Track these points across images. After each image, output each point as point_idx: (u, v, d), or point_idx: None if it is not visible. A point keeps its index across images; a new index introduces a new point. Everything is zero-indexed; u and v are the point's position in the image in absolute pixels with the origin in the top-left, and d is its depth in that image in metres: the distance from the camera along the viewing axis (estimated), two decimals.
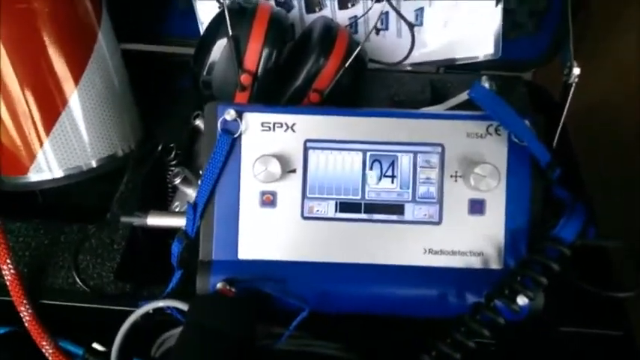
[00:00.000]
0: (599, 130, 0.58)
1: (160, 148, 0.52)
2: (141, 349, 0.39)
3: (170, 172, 0.50)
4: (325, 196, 0.39)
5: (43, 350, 0.38)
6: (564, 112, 0.48)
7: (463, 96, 0.49)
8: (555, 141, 0.47)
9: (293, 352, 0.38)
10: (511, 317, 0.35)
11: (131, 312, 0.38)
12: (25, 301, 0.40)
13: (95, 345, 0.40)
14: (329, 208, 0.39)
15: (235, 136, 0.38)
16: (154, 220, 0.40)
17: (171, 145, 0.51)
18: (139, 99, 0.55)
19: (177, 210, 0.49)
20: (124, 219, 0.41)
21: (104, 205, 0.49)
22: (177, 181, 0.48)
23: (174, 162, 0.51)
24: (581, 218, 0.37)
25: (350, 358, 0.38)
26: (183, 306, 0.37)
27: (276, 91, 0.48)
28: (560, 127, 0.48)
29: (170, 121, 0.56)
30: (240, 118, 0.38)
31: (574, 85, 0.46)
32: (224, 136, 0.38)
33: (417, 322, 0.38)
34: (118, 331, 0.38)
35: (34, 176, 0.48)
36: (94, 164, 0.49)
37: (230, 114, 0.38)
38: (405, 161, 0.39)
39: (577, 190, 0.40)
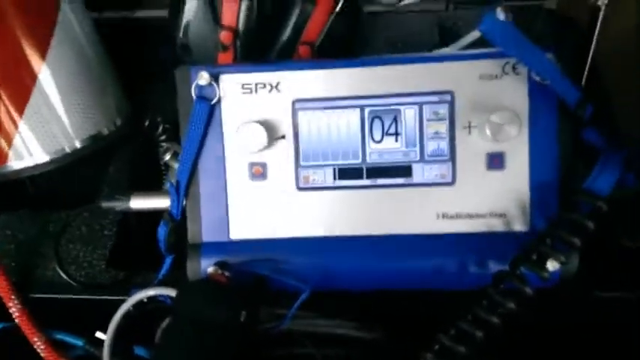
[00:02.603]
0: (633, 60, 0.51)
1: (147, 122, 0.48)
2: (143, 338, 0.37)
3: (160, 148, 0.46)
4: (321, 162, 0.34)
5: (35, 346, 0.36)
6: (593, 42, 0.41)
7: (475, 34, 0.43)
8: (585, 76, 0.41)
9: (298, 333, 0.35)
10: (540, 285, 0.31)
11: (125, 301, 0.36)
12: (12, 296, 0.37)
13: (99, 334, 0.37)
14: (326, 176, 0.34)
15: (213, 102, 0.34)
16: (138, 203, 0.37)
17: (159, 119, 0.47)
18: (120, 71, 0.50)
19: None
20: (105, 204, 0.37)
21: (97, 189, 0.46)
22: (168, 157, 0.45)
23: (163, 137, 0.48)
24: (618, 165, 0.32)
25: (359, 336, 0.34)
26: (175, 293, 0.34)
27: (263, 48, 0.43)
28: (589, 59, 0.41)
29: (158, 93, 0.52)
30: (217, 82, 0.34)
31: (603, 8, 0.39)
32: (200, 103, 0.33)
33: (434, 296, 0.34)
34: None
35: (15, 163, 0.45)
36: (77, 145, 0.46)
37: (204, 78, 0.33)
38: (409, 115, 0.34)
39: (611, 132, 0.34)
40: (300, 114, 0.34)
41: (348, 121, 0.34)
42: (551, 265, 0.31)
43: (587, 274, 0.33)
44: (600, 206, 0.31)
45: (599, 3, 0.39)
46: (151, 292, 0.35)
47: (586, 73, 0.42)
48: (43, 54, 0.42)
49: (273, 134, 0.34)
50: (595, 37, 0.41)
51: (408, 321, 0.34)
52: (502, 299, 0.30)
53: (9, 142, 0.44)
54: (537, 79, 0.32)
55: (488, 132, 0.32)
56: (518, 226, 0.34)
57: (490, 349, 0.30)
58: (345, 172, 0.34)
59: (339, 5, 0.41)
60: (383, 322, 0.35)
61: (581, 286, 0.33)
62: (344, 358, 0.35)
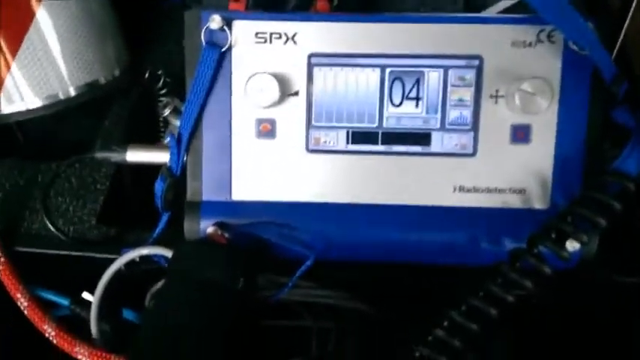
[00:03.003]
0: None
1: (147, 75, 0.45)
2: (132, 299, 0.35)
3: (159, 103, 0.44)
4: (334, 124, 0.32)
5: (18, 303, 0.34)
6: (626, 24, 0.39)
7: (504, 3, 0.40)
8: (615, 52, 0.39)
9: (298, 303, 0.33)
10: (559, 265, 0.29)
11: (115, 259, 0.34)
12: None
13: (85, 295, 0.36)
14: (339, 139, 0.32)
15: (224, 49, 0.31)
16: (135, 156, 0.35)
17: (160, 72, 0.44)
18: (121, 19, 0.47)
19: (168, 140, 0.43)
20: (99, 154, 0.35)
21: (91, 141, 0.44)
22: (167, 112, 0.42)
23: (163, 91, 0.45)
24: None
25: (361, 309, 0.33)
26: (170, 253, 0.32)
27: (277, 2, 0.40)
28: (622, 35, 0.39)
29: (161, 46, 0.49)
30: (230, 28, 0.31)
31: None
32: (209, 49, 0.31)
33: (445, 270, 0.33)
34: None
35: (5, 107, 0.42)
36: (72, 92, 0.43)
37: (216, 21, 0.30)
38: (433, 79, 0.32)
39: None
40: (316, 70, 0.32)
41: (367, 80, 0.32)
42: (571, 245, 0.29)
43: (607, 257, 0.31)
44: (629, 187, 0.29)
45: None
46: (145, 251, 0.33)
47: (615, 54, 0.40)
48: None
49: (285, 89, 0.32)
50: (628, 20, 0.39)
51: (417, 295, 0.32)
52: (519, 278, 0.28)
53: (0, 84, 0.41)
54: (575, 48, 0.30)
55: (517, 101, 0.30)
56: (538, 204, 0.32)
57: (501, 329, 0.29)
58: (359, 136, 0.32)
59: None
60: (387, 296, 0.33)
61: (601, 270, 0.32)
62: (341, 331, 0.33)
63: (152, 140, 0.44)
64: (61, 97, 0.42)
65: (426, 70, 0.31)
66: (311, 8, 0.39)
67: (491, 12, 0.41)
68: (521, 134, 0.32)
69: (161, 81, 0.45)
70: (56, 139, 0.48)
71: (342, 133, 0.32)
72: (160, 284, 0.34)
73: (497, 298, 0.28)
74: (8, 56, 0.40)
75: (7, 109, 0.42)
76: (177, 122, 0.42)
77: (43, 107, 0.42)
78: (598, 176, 0.30)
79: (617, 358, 0.32)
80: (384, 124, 0.32)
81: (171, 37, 0.49)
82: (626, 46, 0.42)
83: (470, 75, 0.31)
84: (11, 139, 0.47)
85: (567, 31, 0.30)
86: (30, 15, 0.40)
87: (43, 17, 0.40)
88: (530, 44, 0.31)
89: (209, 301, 0.28)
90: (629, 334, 0.32)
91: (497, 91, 0.31)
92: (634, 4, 0.38)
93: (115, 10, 0.47)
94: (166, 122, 0.44)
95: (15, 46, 0.40)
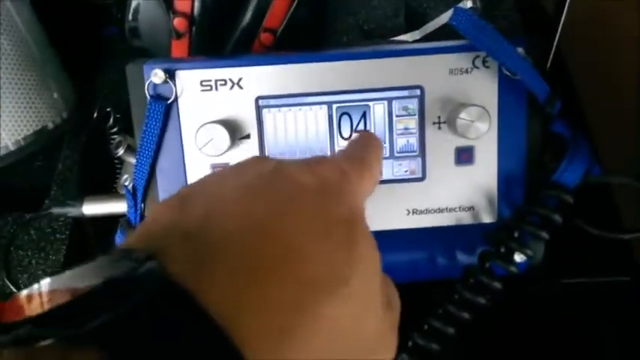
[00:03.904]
0: (597, 45, 0.52)
1: (95, 114, 0.44)
2: None
3: (112, 142, 0.43)
4: None
5: None
6: (559, 29, 0.41)
7: (443, 18, 0.42)
8: (549, 64, 0.41)
9: None
10: (508, 274, 0.31)
11: None
12: None
13: None
14: None
15: (170, 101, 0.31)
16: (92, 208, 0.35)
17: (108, 109, 0.44)
18: (65, 57, 0.46)
19: (127, 184, 0.43)
20: (55, 210, 0.35)
21: (46, 187, 0.43)
22: (121, 151, 0.42)
23: (114, 129, 0.44)
24: (585, 158, 0.32)
25: None
26: None
27: (221, 36, 0.40)
28: (554, 46, 0.41)
29: (106, 79, 0.48)
30: (173, 78, 0.31)
31: None
32: (155, 102, 0.31)
33: (407, 288, 0.34)
34: None
35: None
36: (21, 142, 0.42)
37: (158, 75, 0.30)
38: (378, 111, 0.33)
39: (577, 123, 0.34)
40: (265, 112, 0.32)
41: (316, 117, 0.33)
42: (519, 258, 0.32)
43: (554, 262, 0.34)
44: (567, 199, 0.31)
45: None
46: None
47: (550, 59, 0.42)
48: None
49: (236, 134, 0.32)
50: (561, 24, 0.40)
51: None
52: (471, 295, 0.30)
53: None
54: (507, 73, 0.32)
55: (458, 129, 0.32)
56: (487, 218, 0.34)
57: (461, 340, 0.31)
58: None
59: None
60: None
61: (548, 274, 0.34)
62: None
63: (109, 179, 0.44)
64: (11, 148, 0.41)
65: (371, 103, 0.33)
66: (255, 41, 0.39)
67: (429, 28, 0.42)
68: (465, 156, 0.33)
69: (111, 119, 0.44)
70: (11, 189, 0.47)
71: None
72: None
73: (454, 316, 0.30)
74: None
75: None
76: (132, 160, 0.41)
77: None
78: (538, 190, 0.32)
79: (571, 357, 0.35)
80: None
81: (114, 68, 0.48)
82: (560, 50, 0.44)
83: (413, 104, 0.33)
84: None
85: (498, 58, 0.31)
86: None
87: None
88: (466, 71, 0.32)
89: None
90: (579, 332, 0.35)
91: (439, 117, 0.33)
92: (565, 11, 0.40)
93: (55, 47, 0.45)
94: (121, 160, 0.44)
95: None
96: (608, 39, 0.49)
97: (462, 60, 0.32)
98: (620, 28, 0.48)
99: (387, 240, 0.34)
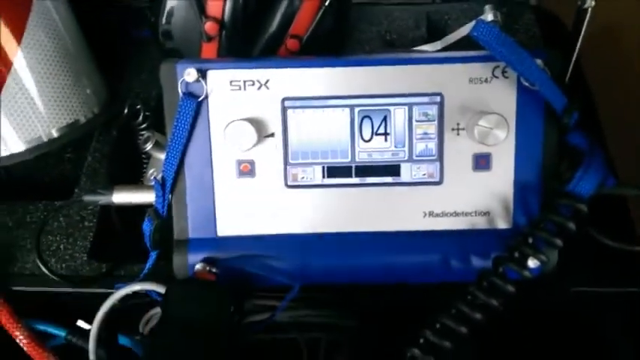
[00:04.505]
0: (617, 60, 0.52)
1: (126, 110, 0.46)
2: (126, 327, 0.37)
3: (140, 138, 0.45)
4: (310, 160, 0.34)
5: (17, 341, 0.35)
6: (578, 43, 0.42)
7: (464, 30, 0.43)
8: (568, 76, 0.41)
9: (289, 324, 0.35)
10: (522, 280, 0.32)
11: (108, 294, 0.35)
12: None
13: (80, 323, 0.37)
14: (315, 174, 0.34)
15: (200, 99, 0.33)
16: (121, 197, 0.36)
17: (138, 106, 0.46)
18: (98, 56, 0.49)
19: (153, 178, 0.44)
20: (87, 198, 0.36)
21: (74, 178, 0.45)
22: (149, 147, 0.43)
23: (143, 125, 0.46)
24: (601, 169, 0.33)
25: (348, 325, 0.35)
26: (161, 288, 0.34)
27: (249, 40, 0.42)
28: (573, 61, 0.42)
29: (137, 78, 0.51)
30: (204, 78, 0.33)
31: (590, 11, 0.40)
32: (187, 100, 0.32)
33: (421, 288, 0.35)
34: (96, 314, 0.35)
35: None
36: (54, 134, 0.44)
37: (191, 74, 0.32)
38: (399, 115, 0.34)
39: (594, 134, 0.35)
40: (290, 112, 0.34)
41: (338, 120, 0.34)
42: (533, 263, 0.32)
43: (565, 268, 0.34)
44: (581, 209, 0.32)
45: (586, 6, 0.39)
46: (137, 287, 0.35)
47: (570, 72, 0.43)
48: (18, 38, 0.41)
49: (261, 132, 0.34)
50: (580, 39, 0.41)
51: (392, 312, 0.35)
52: (485, 296, 0.31)
53: None
54: (526, 84, 0.33)
55: (476, 135, 0.33)
56: (502, 224, 0.35)
57: (471, 343, 0.31)
58: (334, 171, 0.34)
59: None
60: (368, 313, 0.35)
61: (560, 282, 0.35)
62: (326, 343, 0.35)
63: (136, 173, 0.45)
64: (44, 139, 0.43)
65: (392, 107, 0.34)
66: (281, 47, 0.41)
67: (451, 39, 0.44)
68: (482, 162, 0.34)
69: (140, 115, 0.46)
70: (40, 178, 0.49)
71: (319, 169, 0.34)
72: (152, 311, 0.36)
73: (467, 316, 0.31)
74: None
75: None
76: (159, 155, 0.43)
77: (27, 151, 0.43)
78: (554, 199, 0.33)
79: None
80: (357, 159, 0.34)
81: (144, 68, 0.51)
82: (580, 65, 0.45)
83: (433, 111, 0.34)
84: None
85: (517, 69, 0.32)
86: (7, 61, 0.41)
87: (20, 63, 0.41)
88: (486, 80, 0.33)
89: (203, 339, 0.30)
90: (588, 338, 0.35)
91: (458, 124, 0.34)
92: (584, 28, 0.41)
93: (91, 46, 0.48)
94: (148, 155, 0.45)
95: None
96: (626, 53, 0.50)
97: (481, 69, 0.33)
98: (638, 42, 0.49)
99: (403, 241, 0.35)
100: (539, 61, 0.32)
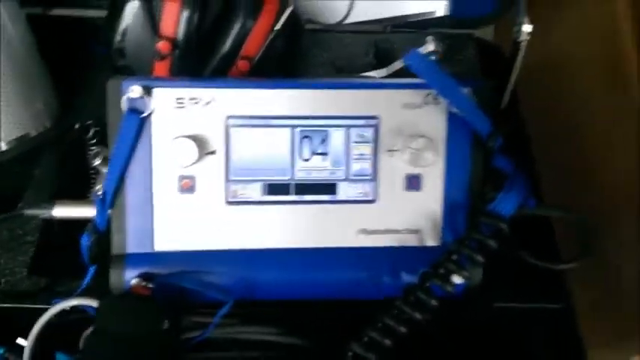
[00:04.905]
0: (552, 90, 0.56)
1: (77, 126, 0.47)
2: (67, 344, 0.36)
3: (90, 153, 0.45)
4: (251, 178, 0.36)
5: None
6: (513, 73, 0.45)
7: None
8: (505, 104, 0.44)
9: (225, 340, 0.36)
10: (447, 295, 0.33)
11: (46, 309, 0.35)
12: None
13: (19, 340, 0.36)
14: (255, 191, 0.36)
15: (144, 115, 0.34)
16: (62, 211, 0.36)
17: (89, 122, 0.46)
18: (52, 70, 0.49)
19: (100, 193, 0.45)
20: (28, 211, 0.36)
21: (22, 191, 0.45)
22: (97, 162, 0.44)
23: (94, 140, 0.47)
24: (522, 191, 0.35)
25: (280, 342, 0.36)
26: (97, 304, 0.34)
27: (202, 60, 0.43)
28: (509, 89, 0.45)
29: (90, 94, 0.51)
30: (150, 95, 0.34)
31: (524, 44, 0.43)
32: (131, 116, 0.33)
33: (353, 304, 0.36)
34: None
35: None
36: (3, 147, 0.44)
37: (135, 91, 0.33)
38: (337, 136, 0.36)
39: (522, 159, 0.38)
40: (233, 130, 0.35)
41: (279, 139, 0.35)
42: (457, 279, 0.34)
43: (490, 285, 0.36)
44: (502, 227, 0.34)
45: (520, 39, 0.42)
46: (74, 302, 0.35)
47: (507, 99, 0.46)
48: None
49: (203, 149, 0.35)
50: (517, 69, 0.44)
51: (325, 328, 0.36)
52: (410, 310, 0.33)
53: None
54: (455, 110, 0.35)
55: (408, 157, 0.35)
56: (431, 242, 0.37)
57: (398, 354, 0.33)
58: (273, 188, 0.36)
59: (280, 22, 0.42)
60: (302, 329, 0.36)
61: (484, 297, 0.37)
62: None
63: (84, 188, 0.46)
64: None
65: (331, 129, 0.36)
66: (233, 67, 0.43)
67: (395, 67, 0.46)
68: (414, 182, 0.36)
69: (91, 131, 0.47)
70: None
71: (258, 186, 0.36)
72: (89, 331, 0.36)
73: (392, 329, 0.32)
74: None
75: None
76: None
77: None
78: (478, 217, 0.35)
79: None
80: (296, 177, 0.36)
81: (97, 85, 0.51)
82: (515, 93, 0.48)
83: (369, 133, 0.36)
84: None
85: (446, 97, 0.35)
86: None
87: None
88: (418, 106, 0.36)
89: (136, 353, 0.30)
90: (512, 353, 0.37)
91: (392, 146, 0.36)
92: (519, 59, 0.44)
93: (44, 62, 0.48)
94: (97, 171, 0.46)
95: None
96: (560, 82, 0.54)
97: (415, 96, 0.36)
98: (573, 70, 0.53)
99: (337, 257, 0.36)
100: (467, 90, 0.35)
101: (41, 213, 0.36)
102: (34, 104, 0.46)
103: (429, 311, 0.32)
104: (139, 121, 0.34)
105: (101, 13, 0.52)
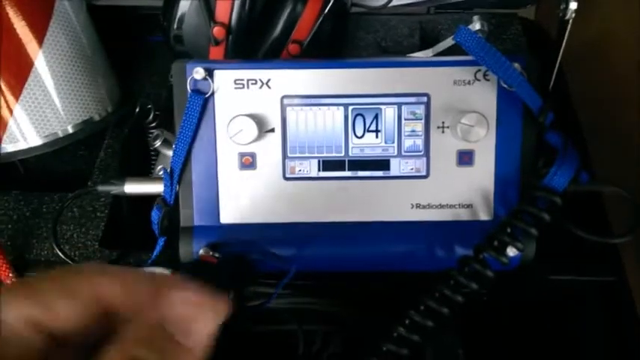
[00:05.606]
0: (597, 67, 0.55)
1: (137, 109, 0.49)
2: None
3: (150, 135, 0.48)
4: (307, 154, 0.37)
5: None
6: (561, 52, 0.45)
7: (451, 40, 0.46)
8: (552, 82, 0.44)
9: (284, 310, 0.38)
10: (501, 268, 0.34)
11: None
12: (10, 275, 0.39)
13: None
14: (311, 167, 0.37)
15: (207, 95, 0.36)
16: (132, 188, 0.39)
17: (149, 106, 0.49)
18: (112, 58, 0.52)
19: (161, 173, 0.47)
20: (101, 188, 0.39)
21: (87, 173, 0.48)
22: (158, 143, 0.47)
23: (153, 124, 0.49)
24: (574, 165, 0.35)
25: (339, 312, 0.38)
26: (167, 272, 0.37)
27: (254, 44, 0.45)
28: (556, 67, 0.45)
29: (148, 79, 0.54)
30: (211, 77, 0.36)
31: (571, 21, 0.43)
32: (195, 96, 0.36)
33: (407, 276, 0.38)
34: None
35: (8, 146, 0.46)
36: (70, 130, 0.47)
37: (199, 72, 0.35)
38: (389, 114, 0.37)
39: (572, 134, 0.38)
40: (289, 109, 0.37)
41: (333, 117, 0.37)
42: (511, 252, 0.35)
43: (544, 259, 0.37)
44: (556, 201, 0.35)
45: (567, 17, 0.42)
46: (146, 270, 0.38)
47: (553, 79, 0.46)
48: (39, 40, 0.44)
49: (262, 127, 0.36)
50: (562, 48, 0.44)
51: (381, 298, 0.37)
52: (466, 280, 0.34)
53: (3, 125, 0.45)
54: (505, 86, 0.36)
55: (459, 132, 0.36)
56: (483, 216, 0.38)
57: (454, 324, 0.34)
58: (328, 164, 0.37)
59: (328, 6, 0.43)
60: (359, 300, 0.38)
61: (538, 270, 0.37)
62: (323, 333, 0.38)
63: (145, 169, 0.48)
64: (60, 135, 0.47)
65: (382, 106, 0.37)
66: (283, 50, 0.44)
67: (440, 47, 0.47)
68: (466, 158, 0.37)
69: (151, 114, 0.50)
70: (55, 172, 0.52)
71: (314, 162, 0.37)
72: None
73: (449, 298, 0.34)
74: (10, 99, 0.45)
75: (11, 148, 0.46)
76: (167, 152, 0.46)
77: (44, 145, 0.46)
78: (531, 191, 0.36)
79: (554, 347, 0.38)
80: (350, 153, 0.37)
81: (156, 71, 0.54)
82: (562, 71, 0.48)
83: (420, 110, 0.37)
84: (13, 172, 0.51)
85: (497, 73, 0.35)
86: (30, 62, 0.44)
87: (41, 63, 0.45)
88: (469, 82, 0.36)
89: None
90: (564, 326, 0.38)
91: (443, 122, 0.37)
92: (566, 37, 0.44)
93: (106, 49, 0.51)
94: (157, 152, 0.48)
95: (17, 91, 0.44)
96: (607, 61, 0.53)
97: (465, 73, 0.36)
98: (620, 50, 0.52)
99: (392, 231, 0.38)
100: (517, 66, 0.35)
101: (113, 189, 0.39)
102: (98, 90, 0.49)
103: (485, 282, 0.33)
104: (203, 101, 0.36)
105: (156, 3, 0.56)
